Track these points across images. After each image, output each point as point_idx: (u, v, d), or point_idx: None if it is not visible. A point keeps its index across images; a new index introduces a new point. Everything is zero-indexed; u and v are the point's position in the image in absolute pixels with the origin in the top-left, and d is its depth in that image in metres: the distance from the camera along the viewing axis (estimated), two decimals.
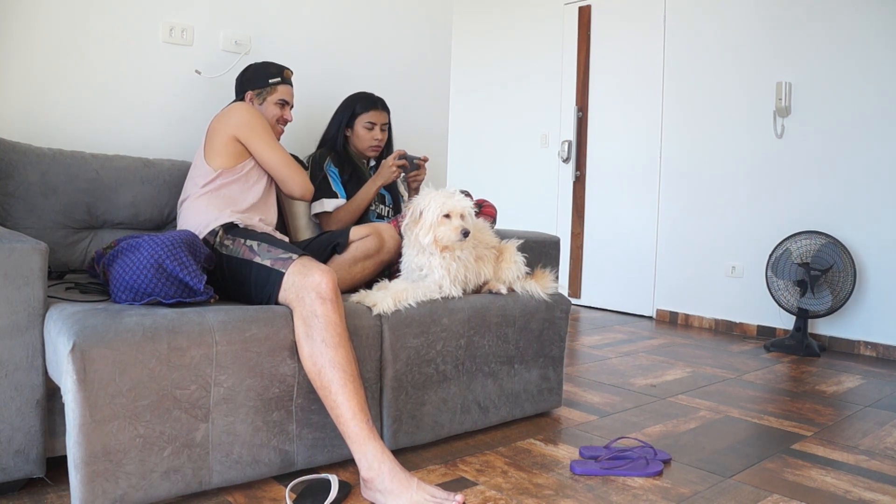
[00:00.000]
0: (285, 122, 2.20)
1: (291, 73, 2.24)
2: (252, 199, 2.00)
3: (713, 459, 1.87)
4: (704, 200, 4.09)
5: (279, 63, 2.23)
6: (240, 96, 2.18)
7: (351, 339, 1.59)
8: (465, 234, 1.82)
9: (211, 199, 1.93)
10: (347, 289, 1.94)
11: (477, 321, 1.94)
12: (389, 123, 2.50)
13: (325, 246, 2.03)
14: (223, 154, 1.98)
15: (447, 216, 1.83)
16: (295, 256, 1.64)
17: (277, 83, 2.16)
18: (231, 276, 1.71)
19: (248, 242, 1.73)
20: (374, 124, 2.41)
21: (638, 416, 2.25)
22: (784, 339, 3.49)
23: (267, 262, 1.65)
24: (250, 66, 2.21)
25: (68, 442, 1.30)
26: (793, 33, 3.70)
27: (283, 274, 1.61)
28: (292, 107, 2.23)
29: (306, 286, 1.56)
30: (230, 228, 1.83)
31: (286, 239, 2.07)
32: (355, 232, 2.03)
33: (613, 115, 4.56)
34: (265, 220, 2.02)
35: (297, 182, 2.06)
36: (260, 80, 2.16)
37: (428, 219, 1.83)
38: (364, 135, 2.42)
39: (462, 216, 1.84)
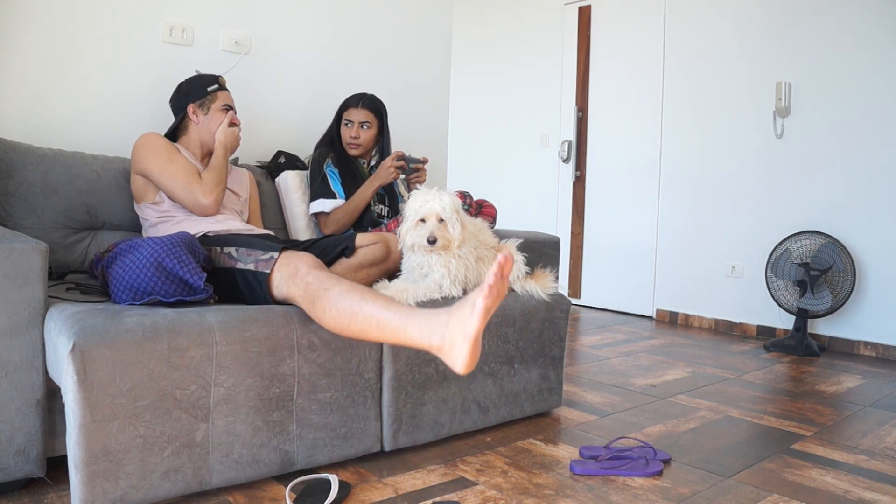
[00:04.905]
0: (235, 125, 2.14)
1: (225, 78, 2.20)
2: (204, 218, 1.99)
3: (713, 459, 1.87)
4: (704, 200, 4.09)
5: (209, 73, 2.19)
6: (180, 113, 2.12)
7: (350, 343, 1.59)
8: (431, 241, 1.80)
9: (167, 229, 1.94)
10: None
11: None
12: (384, 124, 2.49)
13: (333, 248, 2.03)
14: (140, 194, 2.00)
15: (423, 220, 1.83)
16: (275, 255, 1.64)
17: (217, 90, 2.13)
18: (221, 285, 1.70)
19: (226, 250, 1.72)
20: (350, 121, 2.42)
21: (638, 416, 2.25)
22: (784, 339, 3.49)
23: (250, 266, 1.65)
24: (181, 83, 2.16)
25: (68, 442, 1.30)
26: (792, 33, 3.70)
27: (268, 274, 1.62)
28: (236, 111, 2.18)
29: (294, 272, 1.58)
30: (204, 240, 1.82)
31: (266, 233, 2.07)
32: (362, 238, 2.04)
33: (613, 115, 4.56)
34: (236, 224, 2.02)
35: (192, 206, 1.94)
36: (198, 91, 2.11)
37: (405, 223, 1.85)
38: (343, 131, 2.44)
39: (440, 218, 1.83)
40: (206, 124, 2.11)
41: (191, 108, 2.11)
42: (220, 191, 1.99)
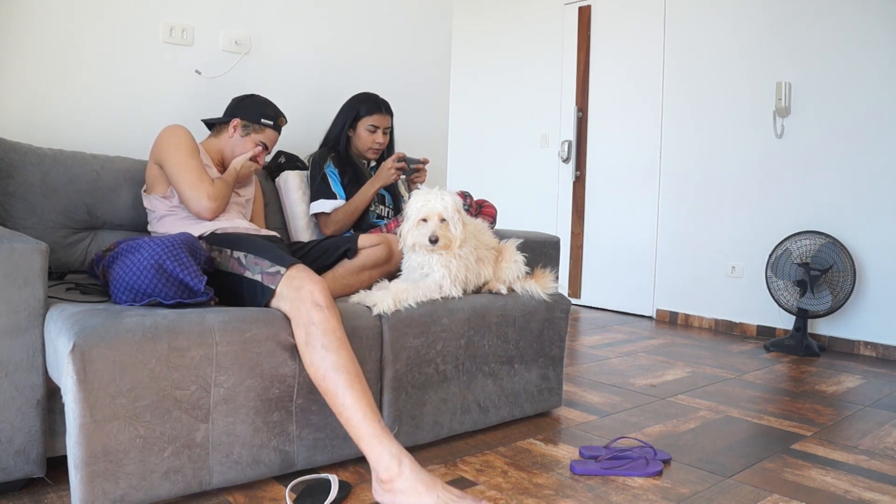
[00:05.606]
0: (257, 163, 2.14)
1: (286, 122, 2.20)
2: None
3: (713, 459, 1.87)
4: (704, 200, 4.09)
5: (279, 108, 2.19)
6: (227, 118, 2.13)
7: (350, 343, 1.59)
8: (433, 240, 1.80)
9: (173, 223, 1.94)
10: (351, 294, 1.93)
11: (477, 321, 1.94)
12: (391, 126, 2.50)
13: (335, 249, 2.03)
14: (152, 183, 1.99)
15: (424, 220, 1.83)
16: (283, 270, 1.61)
17: (268, 126, 2.12)
18: (225, 286, 1.70)
19: (236, 254, 1.70)
20: (376, 128, 2.41)
21: (638, 416, 2.25)
22: (784, 339, 3.49)
23: (257, 277, 1.63)
24: (253, 95, 2.17)
25: (68, 442, 1.30)
26: (792, 33, 3.70)
27: (273, 290, 1.60)
28: (269, 153, 2.18)
29: (300, 297, 1.54)
30: (212, 239, 1.81)
31: (272, 234, 2.06)
32: (364, 240, 2.04)
33: (613, 115, 4.56)
34: (243, 223, 2.01)
35: (193, 204, 1.90)
36: (254, 114, 2.11)
37: (407, 222, 1.85)
38: (366, 137, 2.42)
39: (442, 218, 1.83)
40: (234, 143, 2.11)
41: (235, 121, 2.10)
42: (223, 203, 1.96)
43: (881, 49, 3.40)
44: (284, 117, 2.19)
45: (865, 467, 1.85)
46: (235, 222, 1.98)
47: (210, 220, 1.94)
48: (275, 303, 1.60)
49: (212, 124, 2.18)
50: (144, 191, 2.04)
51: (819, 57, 3.61)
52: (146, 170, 2.03)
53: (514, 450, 1.90)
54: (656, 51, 4.30)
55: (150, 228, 2.02)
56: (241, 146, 2.11)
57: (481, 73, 5.32)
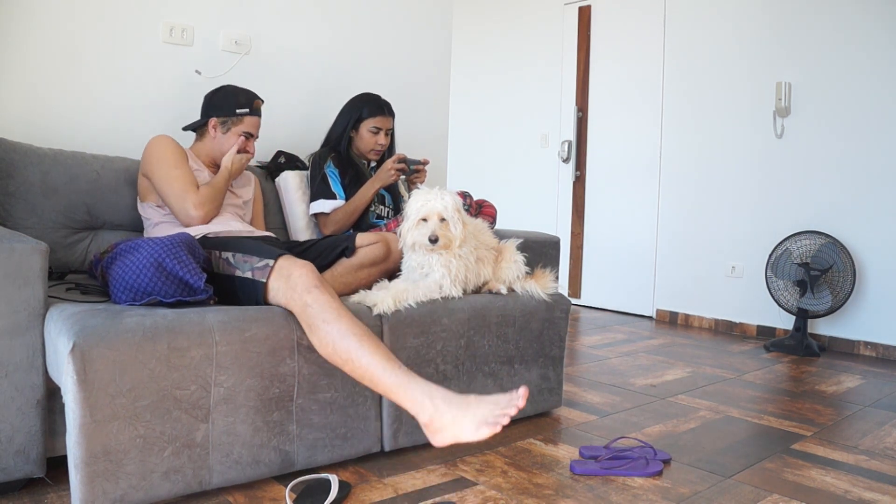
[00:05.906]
0: (247, 153, 2.12)
1: (262, 102, 2.16)
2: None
3: (713, 459, 1.87)
4: (704, 200, 4.09)
5: (250, 91, 2.15)
6: (203, 119, 2.10)
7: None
8: (433, 240, 1.80)
9: (167, 230, 1.94)
10: (350, 293, 1.94)
11: (477, 321, 1.94)
12: (393, 128, 2.50)
13: (333, 248, 2.03)
14: (144, 193, 2.00)
15: (424, 219, 1.83)
16: (271, 262, 1.61)
17: (245, 114, 2.09)
18: (220, 288, 1.70)
19: (224, 255, 1.71)
20: (379, 129, 2.42)
21: (638, 416, 2.25)
22: (784, 339, 3.49)
23: (248, 275, 1.64)
24: (221, 88, 2.13)
25: (68, 442, 1.30)
26: (792, 33, 3.70)
27: (264, 283, 1.61)
28: (257, 138, 2.15)
29: (290, 287, 1.55)
30: (203, 242, 1.81)
31: (267, 234, 2.05)
32: (362, 238, 2.04)
33: (613, 115, 4.56)
34: (237, 225, 2.01)
35: (182, 217, 1.91)
36: (227, 107, 2.08)
37: (407, 222, 1.85)
38: (368, 138, 2.42)
39: (442, 217, 1.83)
40: (220, 142, 2.09)
41: (213, 121, 2.08)
42: (214, 208, 1.96)
43: (881, 49, 3.40)
44: (260, 99, 2.15)
45: (865, 467, 1.85)
46: (230, 224, 1.98)
47: (200, 225, 1.94)
48: (272, 298, 1.61)
49: (194, 128, 2.16)
50: (139, 199, 2.05)
51: (819, 57, 3.61)
52: (138, 180, 2.03)
53: (514, 450, 1.90)
54: (656, 51, 4.30)
55: (146, 235, 2.02)
56: (227, 143, 2.09)
57: (481, 73, 5.32)
